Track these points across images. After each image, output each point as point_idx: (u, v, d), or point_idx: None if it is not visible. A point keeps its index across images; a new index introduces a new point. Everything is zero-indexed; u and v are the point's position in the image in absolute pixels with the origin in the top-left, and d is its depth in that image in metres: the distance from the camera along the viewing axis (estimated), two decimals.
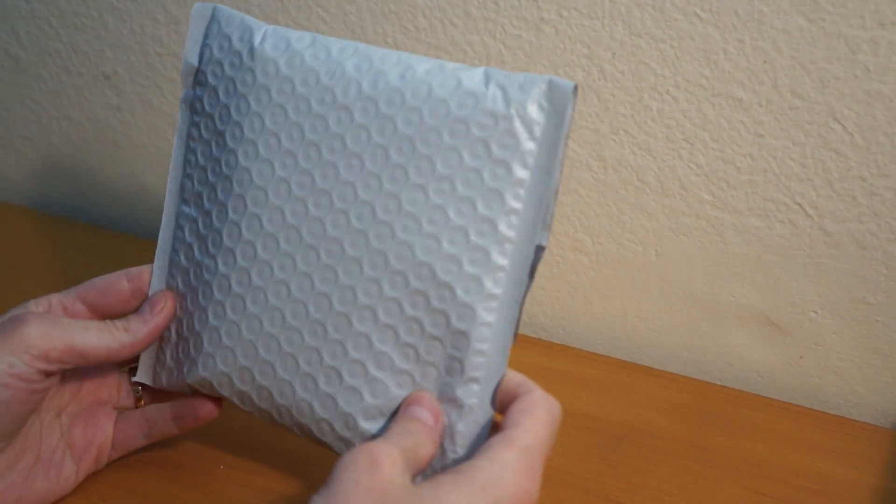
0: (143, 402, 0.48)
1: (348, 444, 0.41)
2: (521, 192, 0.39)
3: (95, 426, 0.46)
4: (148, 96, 0.74)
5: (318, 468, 0.50)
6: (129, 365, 0.49)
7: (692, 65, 0.56)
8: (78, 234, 0.76)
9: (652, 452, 0.52)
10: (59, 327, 0.41)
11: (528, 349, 0.63)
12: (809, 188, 0.56)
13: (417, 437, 0.37)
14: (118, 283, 0.46)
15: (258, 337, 0.42)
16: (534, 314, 0.68)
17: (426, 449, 0.37)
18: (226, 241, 0.43)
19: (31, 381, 0.40)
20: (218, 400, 0.46)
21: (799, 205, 0.57)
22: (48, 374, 0.41)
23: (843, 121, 0.54)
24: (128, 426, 0.47)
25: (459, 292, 0.39)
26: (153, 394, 0.48)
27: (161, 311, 0.44)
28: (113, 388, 0.48)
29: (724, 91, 0.56)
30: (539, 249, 0.39)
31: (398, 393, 0.40)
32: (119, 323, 0.43)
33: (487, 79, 0.39)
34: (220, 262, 0.43)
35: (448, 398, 0.39)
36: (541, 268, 0.66)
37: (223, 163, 0.44)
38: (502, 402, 0.39)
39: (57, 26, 0.75)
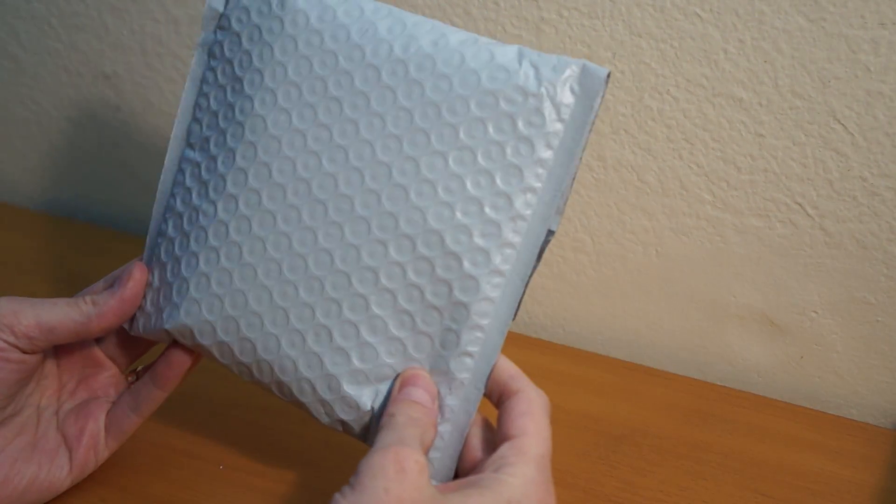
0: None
1: (327, 408, 0.41)
2: (542, 171, 0.39)
3: (87, 414, 0.46)
4: (148, 96, 0.74)
5: (319, 469, 0.50)
6: (129, 368, 0.49)
7: (692, 65, 0.56)
8: (78, 234, 0.76)
9: (652, 452, 0.52)
10: (27, 305, 0.42)
11: (528, 349, 0.63)
12: (810, 188, 0.56)
13: (423, 425, 0.37)
14: (96, 285, 0.46)
15: (250, 287, 0.42)
16: (534, 314, 0.67)
17: (429, 435, 0.37)
18: (229, 187, 0.42)
19: (4, 350, 0.41)
20: (191, 352, 0.45)
21: (799, 205, 0.57)
22: (24, 351, 0.42)
23: (844, 121, 0.54)
24: (116, 407, 0.47)
25: (466, 264, 0.39)
26: (143, 372, 0.48)
27: (128, 282, 0.44)
28: (110, 386, 0.48)
29: (724, 91, 0.56)
30: (549, 233, 0.39)
31: (387, 360, 0.40)
32: (88, 297, 0.44)
33: (521, 56, 0.39)
34: (220, 207, 0.43)
35: (440, 370, 0.39)
36: (541, 268, 0.65)
37: (237, 108, 0.43)
38: (493, 391, 0.39)
39: (57, 26, 0.75)
